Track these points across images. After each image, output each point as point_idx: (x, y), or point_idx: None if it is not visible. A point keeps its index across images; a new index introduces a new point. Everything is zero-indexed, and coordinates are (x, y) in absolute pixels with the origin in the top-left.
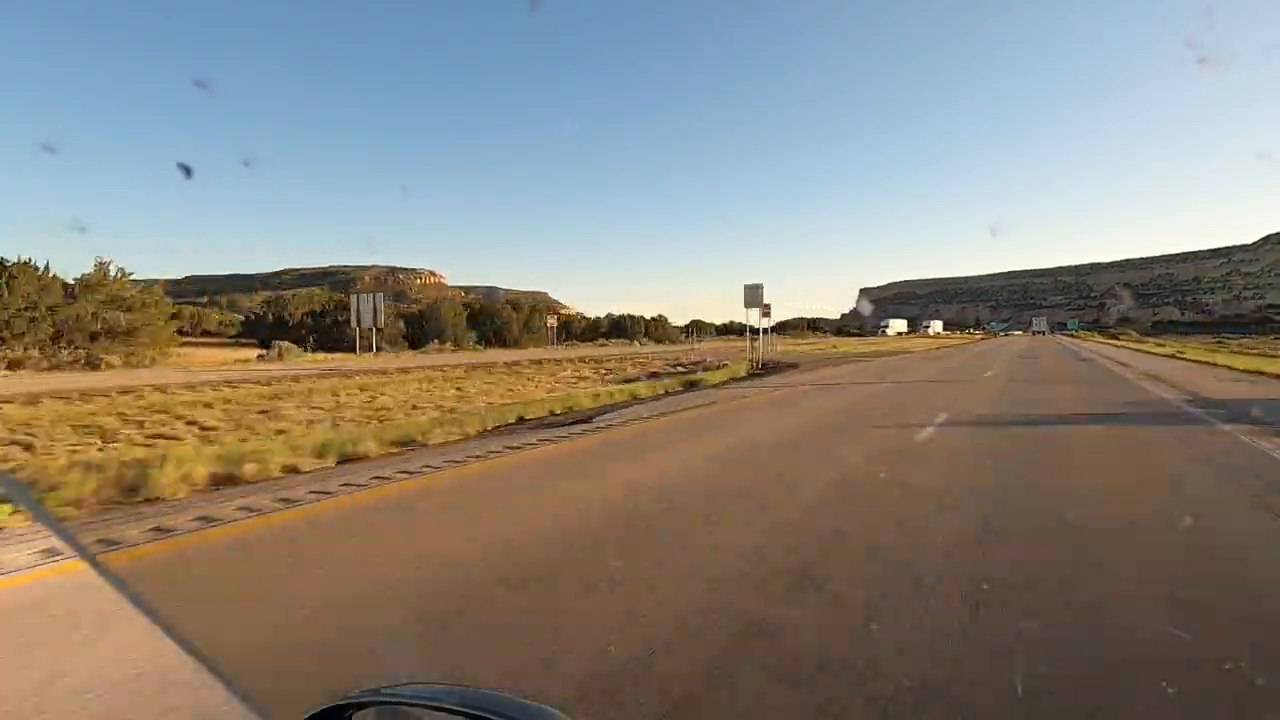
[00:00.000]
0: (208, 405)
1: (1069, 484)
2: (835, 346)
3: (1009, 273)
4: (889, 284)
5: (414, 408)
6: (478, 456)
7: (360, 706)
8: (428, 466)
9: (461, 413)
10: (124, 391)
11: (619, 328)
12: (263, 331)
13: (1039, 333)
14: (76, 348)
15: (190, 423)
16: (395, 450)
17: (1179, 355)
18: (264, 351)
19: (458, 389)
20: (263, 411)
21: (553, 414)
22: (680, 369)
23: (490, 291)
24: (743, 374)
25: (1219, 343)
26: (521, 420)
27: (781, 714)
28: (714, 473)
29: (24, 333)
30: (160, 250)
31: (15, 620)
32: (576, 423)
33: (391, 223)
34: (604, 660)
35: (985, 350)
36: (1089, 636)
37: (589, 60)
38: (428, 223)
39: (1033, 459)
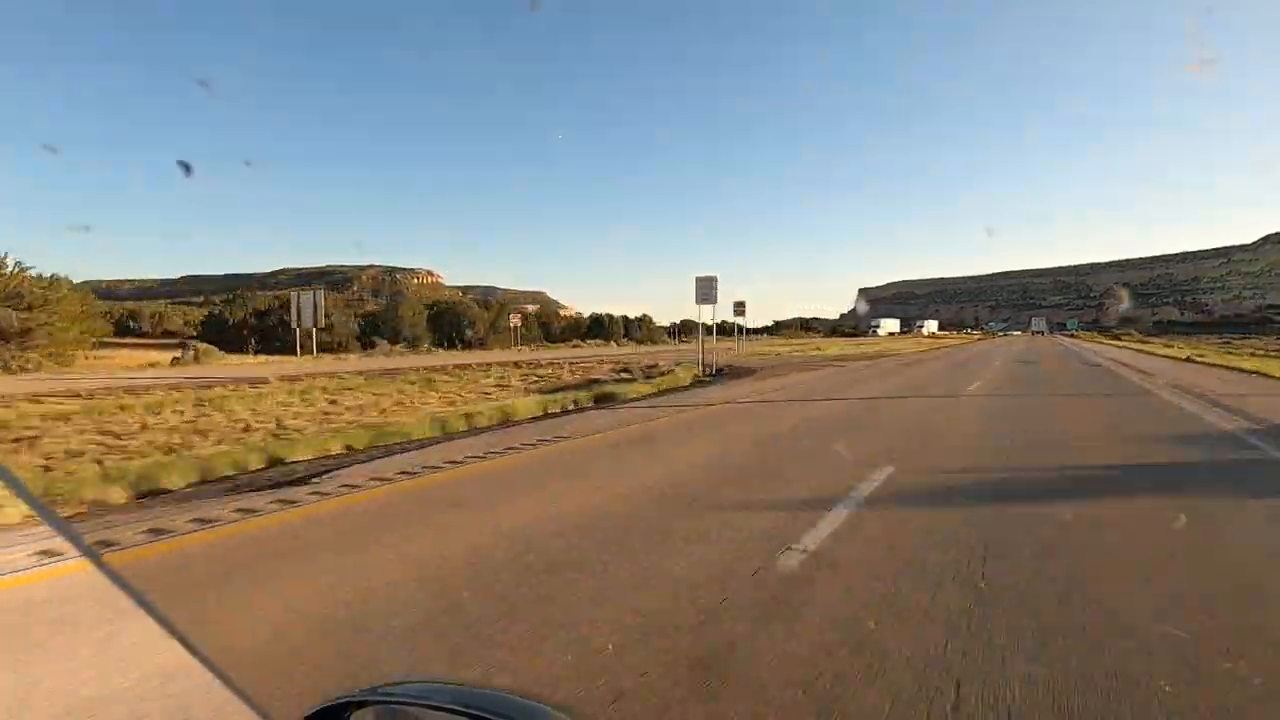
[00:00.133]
0: None
1: None
2: (819, 348)
3: (1008, 273)
4: (888, 284)
5: (246, 429)
6: None
7: (359, 706)
8: None
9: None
10: None
11: (599, 327)
12: (221, 331)
13: (1038, 333)
14: None
15: None
16: None
17: (1196, 358)
18: (178, 354)
19: (331, 402)
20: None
21: (334, 453)
22: (624, 375)
23: (489, 291)
24: (686, 382)
25: (1226, 343)
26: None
27: None
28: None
29: None
30: (158, 250)
31: (14, 621)
32: (294, 483)
33: (390, 223)
34: None
35: (980, 353)
36: None
37: (589, 58)
38: (427, 223)
39: (1034, 631)
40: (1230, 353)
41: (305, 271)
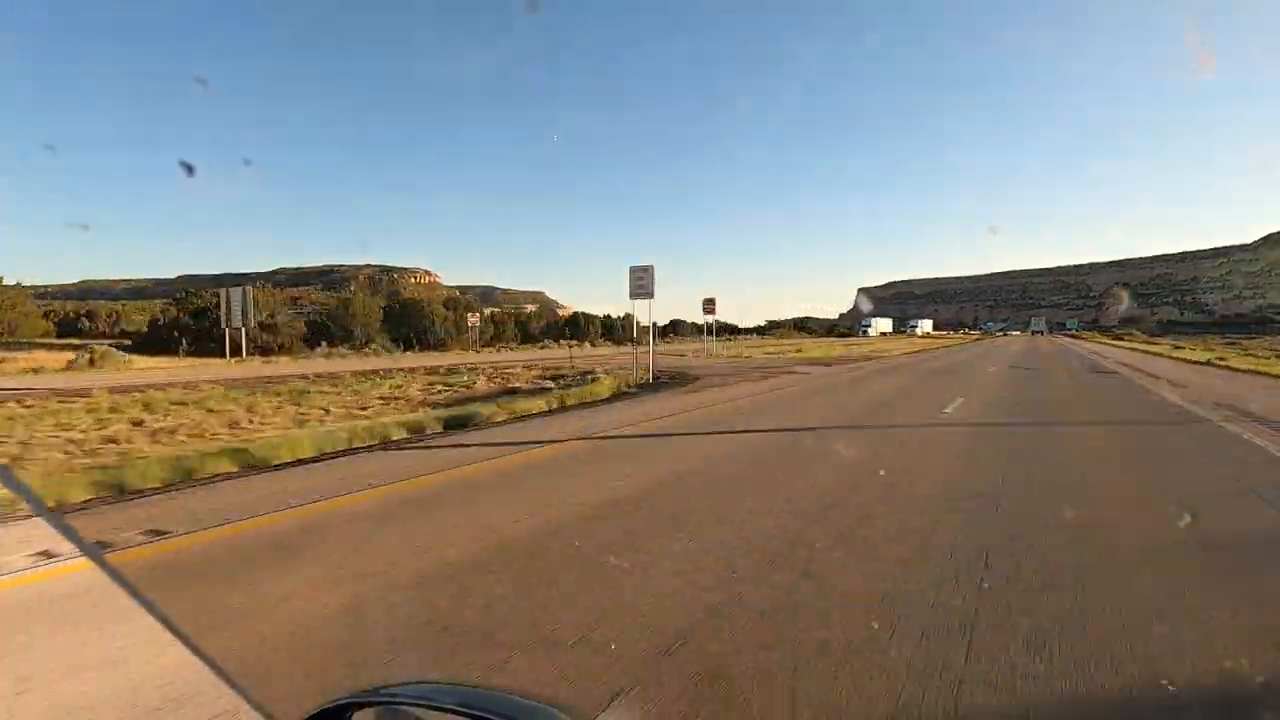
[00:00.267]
0: None
1: None
2: (800, 350)
3: (1007, 272)
4: (887, 284)
5: None
6: None
7: (360, 706)
8: None
9: None
10: None
11: (575, 328)
12: (155, 332)
13: (1037, 332)
14: None
15: None
16: None
17: (1218, 362)
18: (73, 357)
19: (137, 424)
20: None
21: None
22: (545, 384)
23: (487, 291)
24: (605, 395)
25: (1233, 344)
26: None
27: None
28: None
29: None
30: (157, 250)
31: (13, 621)
32: None
33: (388, 223)
34: None
35: (974, 355)
36: None
37: (589, 56)
38: (426, 223)
39: None
40: (1249, 354)
41: (302, 271)
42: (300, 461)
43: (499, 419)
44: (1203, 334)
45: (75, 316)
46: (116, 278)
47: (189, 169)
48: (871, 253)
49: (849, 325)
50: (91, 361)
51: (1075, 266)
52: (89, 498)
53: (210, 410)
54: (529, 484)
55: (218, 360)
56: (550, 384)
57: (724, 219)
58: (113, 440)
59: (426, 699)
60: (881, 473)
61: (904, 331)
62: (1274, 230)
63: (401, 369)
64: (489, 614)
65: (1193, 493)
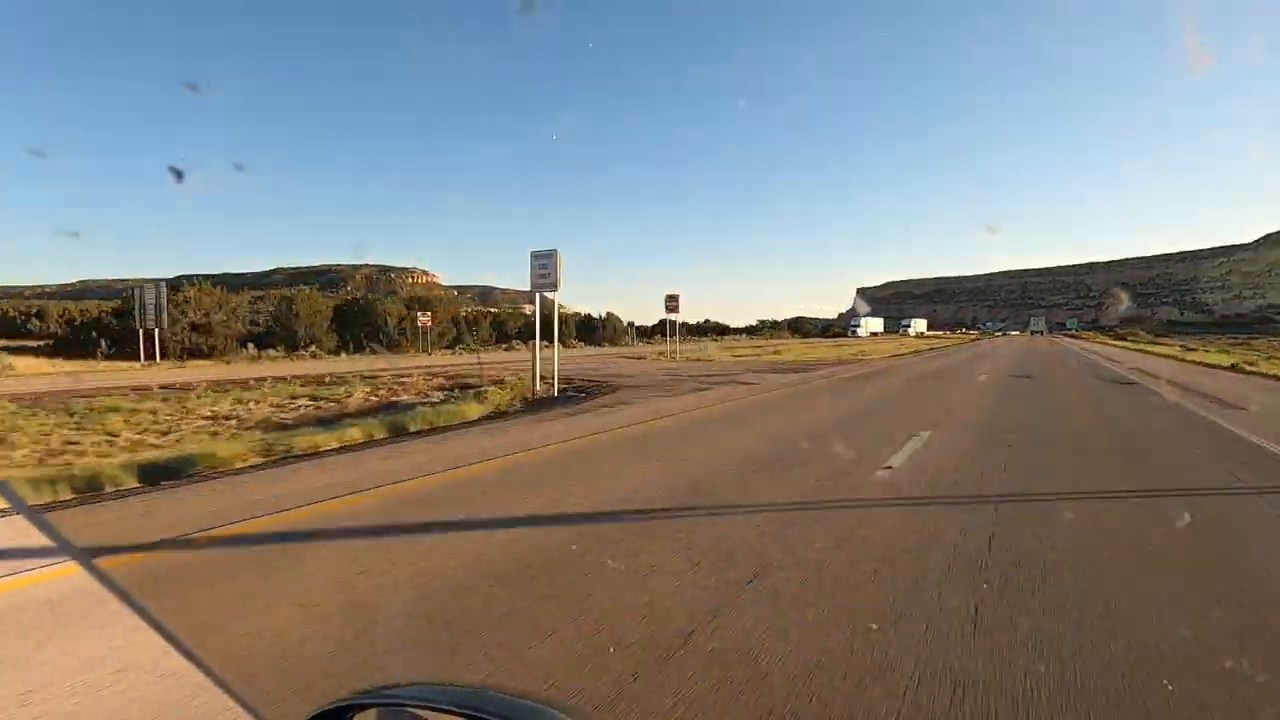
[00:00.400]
0: None
1: None
2: (777, 352)
3: (1006, 272)
4: (886, 284)
5: None
6: None
7: (361, 708)
8: None
9: None
10: None
11: (547, 327)
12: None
13: (1037, 332)
14: None
15: None
16: None
17: (1247, 367)
18: None
19: None
20: None
21: None
22: (430, 398)
23: (486, 291)
24: (474, 416)
25: (1242, 344)
26: None
27: None
28: None
29: None
30: (156, 249)
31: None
32: None
33: (387, 223)
34: None
35: (966, 359)
36: None
37: (589, 54)
38: (425, 224)
39: None
40: (1274, 358)
41: (300, 270)
42: None
43: (247, 463)
44: (1204, 334)
45: (25, 316)
46: (115, 277)
47: (178, 175)
48: (871, 253)
49: (844, 325)
50: None
51: (1074, 266)
52: None
53: None
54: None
55: (130, 363)
56: (439, 396)
57: (724, 218)
58: None
59: (427, 700)
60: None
61: (897, 331)
62: (1274, 230)
63: (293, 376)
64: None
65: None
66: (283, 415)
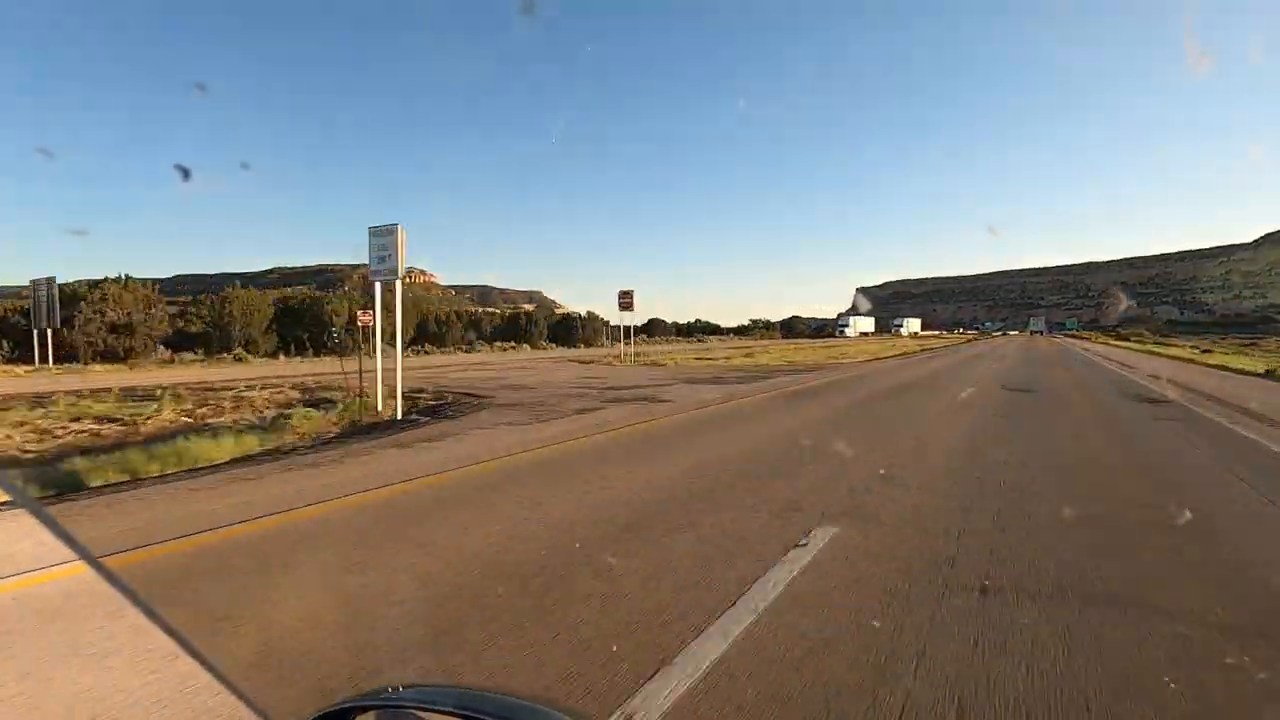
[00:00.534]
0: None
1: None
2: (749, 354)
3: (1006, 272)
4: (885, 283)
5: None
6: None
7: (363, 710)
8: None
9: None
10: None
11: (514, 327)
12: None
13: (1036, 332)
14: None
15: None
16: None
17: None
18: None
19: None
20: None
21: None
22: (262, 418)
23: (485, 290)
24: (223, 459)
25: (1250, 344)
26: None
27: None
28: None
29: None
30: (154, 249)
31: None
32: None
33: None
34: None
35: (956, 362)
36: None
37: (588, 53)
38: (424, 224)
39: None
40: None
41: (297, 270)
42: None
43: None
44: (1205, 334)
45: None
46: (112, 277)
47: (185, 173)
48: (871, 253)
49: (837, 326)
50: None
51: (1074, 266)
52: None
53: None
54: None
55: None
56: (273, 413)
57: (724, 218)
58: None
59: (429, 702)
60: None
61: (889, 331)
62: (1274, 230)
63: (159, 387)
64: None
65: None
66: (50, 444)
